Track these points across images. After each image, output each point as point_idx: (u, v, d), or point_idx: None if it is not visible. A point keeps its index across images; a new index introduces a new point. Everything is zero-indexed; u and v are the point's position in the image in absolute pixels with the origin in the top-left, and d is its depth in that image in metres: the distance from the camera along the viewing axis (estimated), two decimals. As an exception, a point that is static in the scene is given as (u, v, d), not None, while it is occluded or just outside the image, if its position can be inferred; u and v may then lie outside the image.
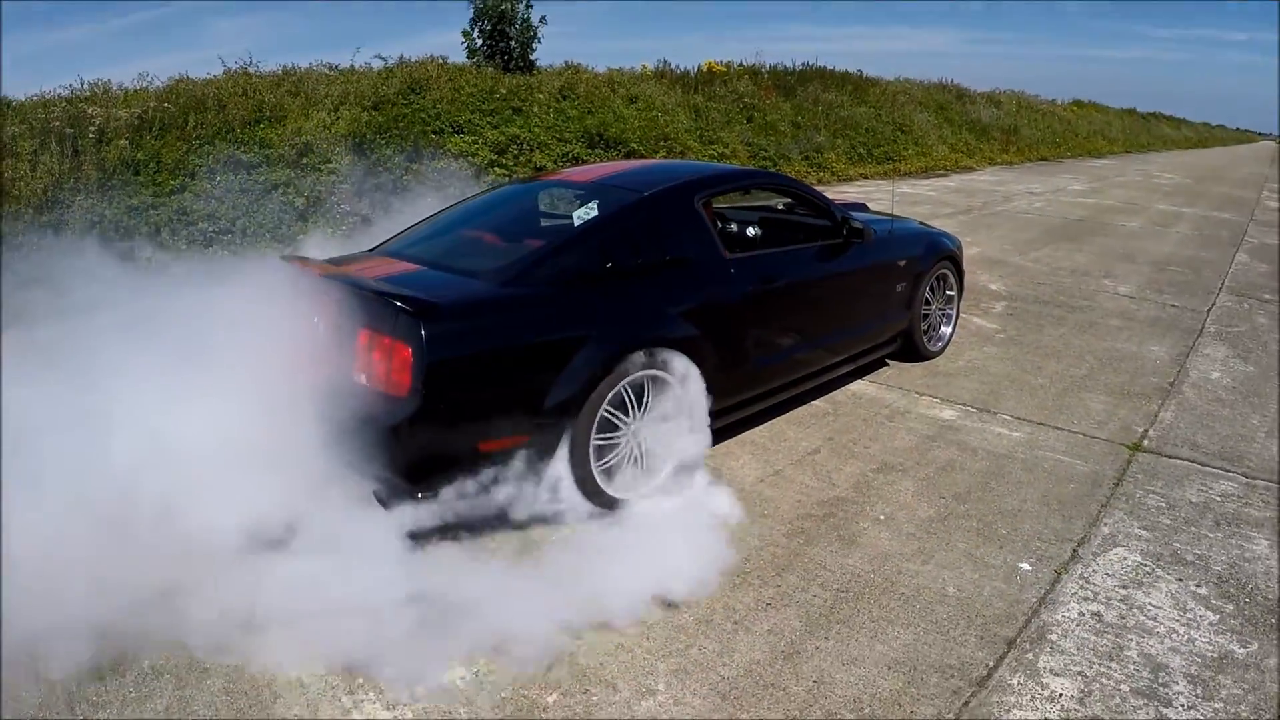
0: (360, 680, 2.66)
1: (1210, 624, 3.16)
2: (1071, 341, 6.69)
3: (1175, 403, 5.45)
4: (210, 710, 2.56)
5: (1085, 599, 3.29)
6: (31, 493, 2.59)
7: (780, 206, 5.53)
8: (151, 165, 8.60)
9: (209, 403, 2.87)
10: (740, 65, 20.01)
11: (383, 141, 10.18)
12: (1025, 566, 3.50)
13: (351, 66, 12.86)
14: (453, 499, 3.14)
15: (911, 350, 5.80)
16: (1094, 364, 6.15)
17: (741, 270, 4.19)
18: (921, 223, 6.26)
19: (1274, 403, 5.55)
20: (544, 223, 4.40)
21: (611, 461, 3.60)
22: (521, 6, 15.06)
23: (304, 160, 9.45)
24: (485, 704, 2.63)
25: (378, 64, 13.10)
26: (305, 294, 3.29)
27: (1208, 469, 4.49)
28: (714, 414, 3.90)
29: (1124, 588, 3.37)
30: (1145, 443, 4.79)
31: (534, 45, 15.33)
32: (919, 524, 3.83)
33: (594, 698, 2.68)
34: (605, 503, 3.56)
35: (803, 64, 21.66)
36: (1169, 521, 3.90)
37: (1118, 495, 4.14)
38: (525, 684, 2.72)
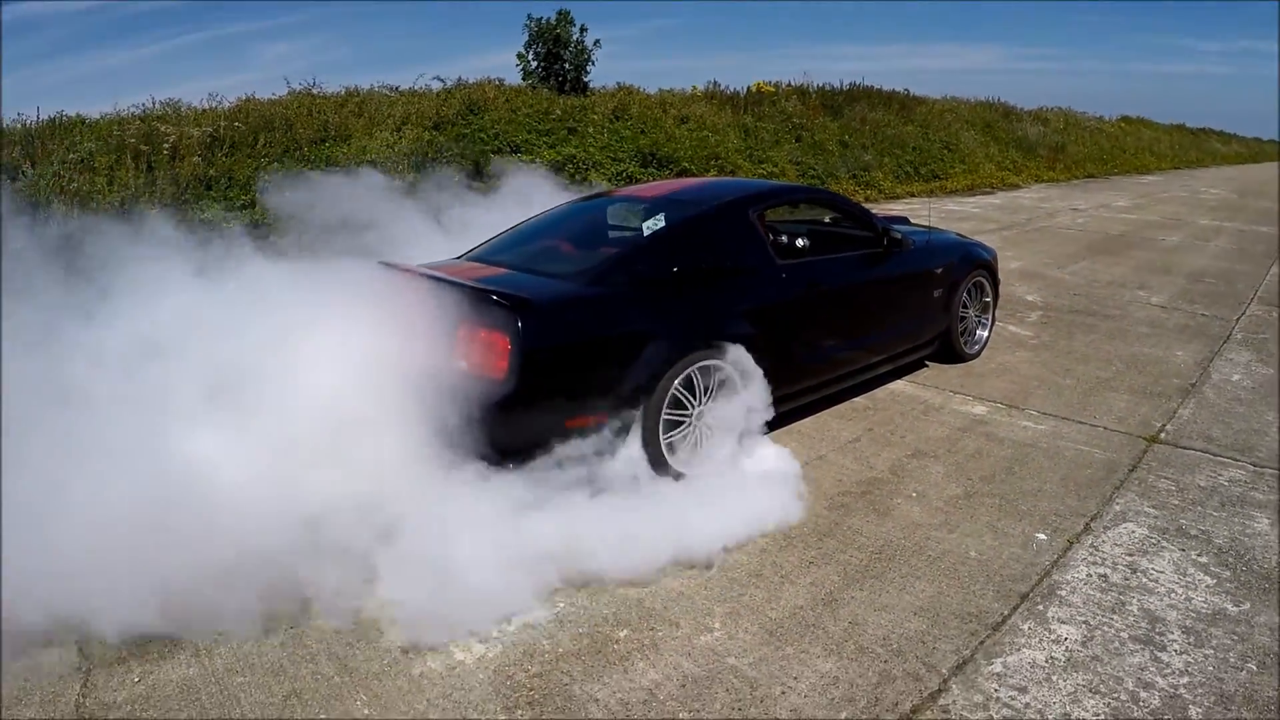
0: (457, 619, 3.16)
1: (1207, 586, 3.58)
2: (1101, 347, 7.10)
3: (1195, 401, 5.85)
4: (324, 643, 3.10)
5: (1094, 564, 3.73)
6: (217, 459, 3.15)
7: (826, 220, 6.01)
8: (223, 181, 9.22)
9: (329, 387, 3.34)
10: (788, 85, 20.54)
11: (444, 160, 10.74)
12: (1041, 536, 3.95)
13: (412, 88, 13.48)
14: (542, 468, 3.57)
15: (950, 352, 6.31)
16: (1120, 367, 6.56)
17: (792, 275, 4.73)
18: (959, 234, 6.84)
19: (1290, 402, 5.93)
20: (613, 233, 5.01)
21: (677, 440, 4.09)
22: (576, 30, 15.73)
23: None
24: (565, 638, 3.14)
25: (436, 85, 13.76)
26: (409, 292, 3.79)
27: (1219, 458, 4.89)
28: (772, 403, 4.36)
29: (1130, 555, 3.80)
30: (1162, 435, 5.21)
31: (588, 68, 16.00)
32: (947, 500, 4.30)
33: (659, 634, 3.18)
34: (671, 475, 4.00)
35: (850, 84, 22.13)
36: (1177, 502, 4.33)
37: (1131, 480, 4.57)
38: (599, 623, 3.22)
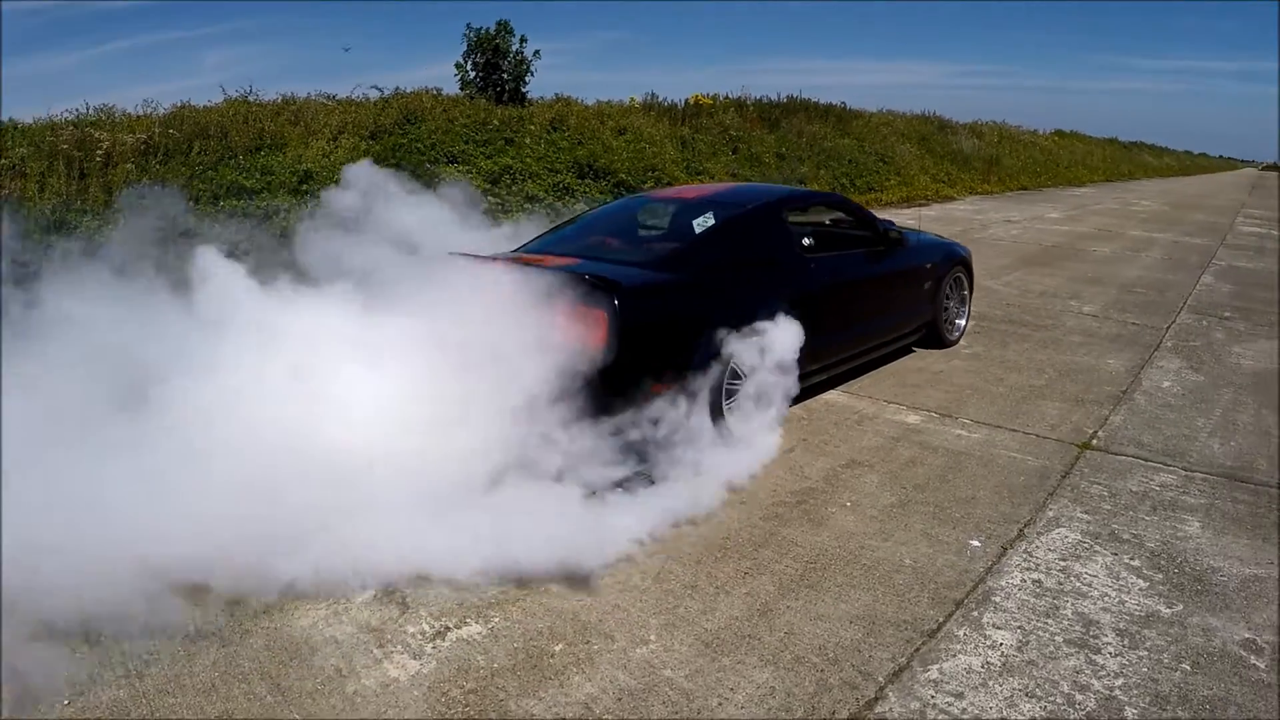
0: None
1: (1140, 589, 3.71)
2: (1034, 356, 7.32)
3: (1126, 408, 6.07)
4: (256, 662, 3.08)
5: (1028, 569, 3.84)
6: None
7: (827, 221, 6.68)
8: (156, 189, 9.16)
9: (438, 365, 3.88)
10: (726, 98, 20.99)
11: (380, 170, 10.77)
12: (975, 543, 4.06)
13: (349, 97, 13.59)
14: (630, 427, 4.21)
15: (935, 338, 7.23)
16: (1053, 375, 6.77)
17: (818, 267, 5.63)
18: (937, 235, 7.88)
19: (1219, 407, 6.17)
20: (663, 228, 5.77)
21: (732, 406, 4.80)
22: (515, 40, 15.95)
23: (304, 187, 10.06)
24: (500, 653, 3.15)
25: (374, 95, 13.86)
26: (516, 279, 4.26)
27: (1150, 463, 5.08)
28: (800, 376, 5.06)
29: (1063, 560, 3.93)
30: (1094, 442, 5.39)
31: (527, 78, 16.23)
32: (881, 509, 4.39)
33: (595, 647, 3.20)
34: (725, 433, 4.69)
35: (787, 97, 22.71)
36: (1109, 507, 4.48)
37: (1064, 486, 4.72)
38: (534, 636, 3.24)
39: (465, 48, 16.01)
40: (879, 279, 6.26)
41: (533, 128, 13.96)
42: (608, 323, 4.12)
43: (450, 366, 3.84)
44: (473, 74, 16.01)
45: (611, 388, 4.14)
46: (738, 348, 4.70)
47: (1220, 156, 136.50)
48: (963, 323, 7.59)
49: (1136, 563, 3.92)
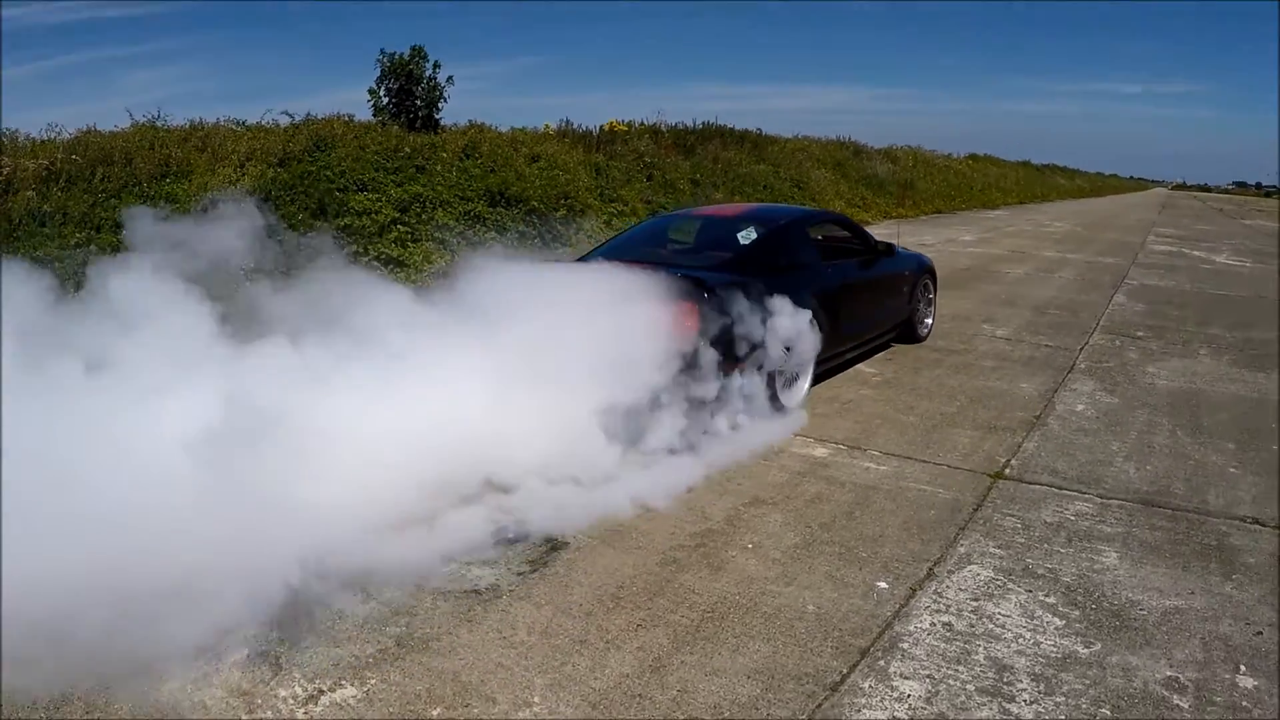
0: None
1: (1056, 628, 3.59)
2: (945, 382, 7.28)
3: (1039, 434, 6.03)
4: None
5: (937, 611, 3.69)
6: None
7: (820, 236, 7.69)
8: (58, 217, 8.92)
9: (570, 341, 4.79)
10: (641, 124, 21.17)
11: (288, 199, 10.76)
12: (882, 585, 3.91)
13: (260, 122, 13.42)
14: (713, 398, 5.37)
15: (909, 335, 8.52)
16: (965, 402, 6.73)
17: (833, 271, 6.92)
18: (907, 248, 9.03)
19: (1134, 430, 6.17)
20: (711, 240, 6.98)
21: (782, 382, 6.02)
22: (429, 66, 16.11)
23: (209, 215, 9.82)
24: (375, 718, 2.90)
25: (285, 120, 13.70)
26: (623, 280, 5.36)
27: (1065, 492, 5.01)
28: (820, 360, 6.44)
29: (975, 600, 3.79)
30: (1007, 471, 5.31)
31: (440, 105, 16.43)
32: (784, 550, 4.22)
33: (475, 710, 2.96)
34: (779, 405, 5.93)
35: (703, 123, 23.03)
36: (1023, 540, 4.38)
37: (976, 519, 4.61)
38: (412, 699, 2.99)
39: (379, 73, 16.12)
40: (873, 282, 7.52)
41: (445, 155, 13.93)
42: (697, 313, 5.33)
43: (575, 350, 4.79)
44: (386, 100, 16.13)
45: (698, 367, 5.25)
46: (785, 333, 5.81)
47: (1131, 177, 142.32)
48: (930, 321, 8.93)
49: (1052, 599, 3.81)
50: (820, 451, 5.59)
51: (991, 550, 4.25)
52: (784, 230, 6.88)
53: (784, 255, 6.56)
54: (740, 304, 5.58)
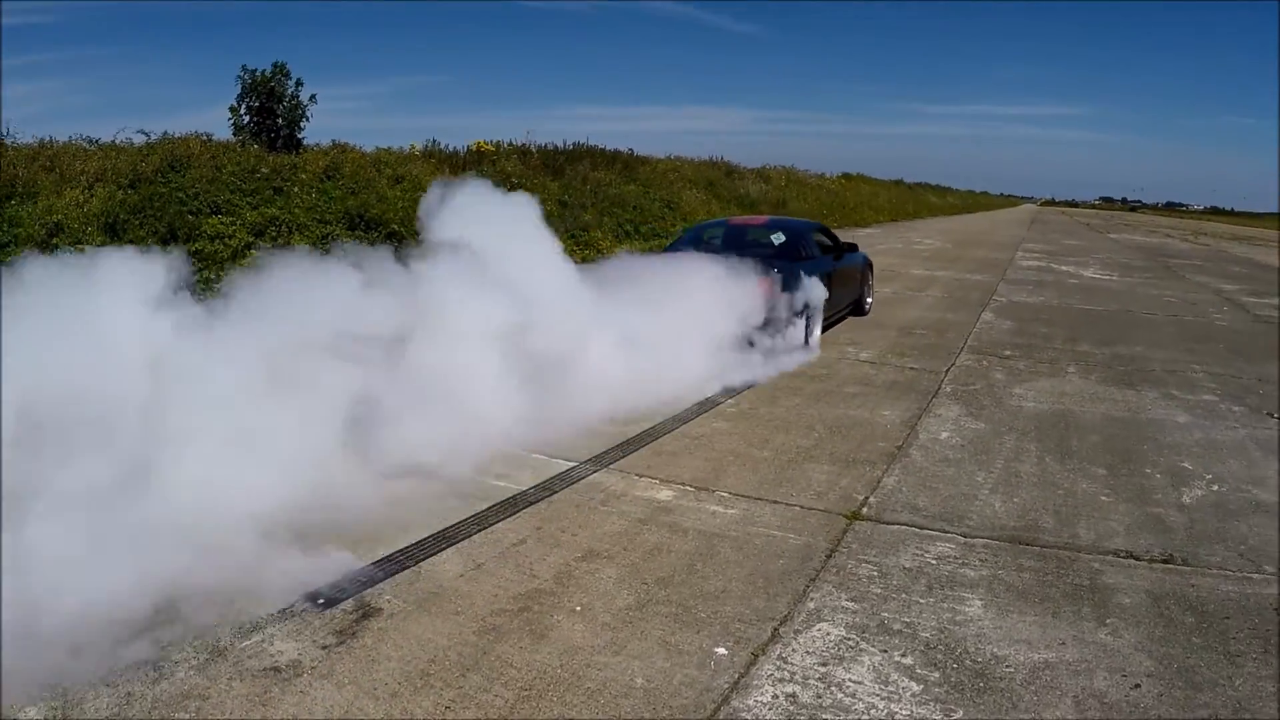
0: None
1: (913, 695, 3.28)
2: (804, 412, 7.05)
3: (900, 467, 5.81)
4: None
5: (781, 680, 3.35)
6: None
7: (815, 238, 10.85)
8: None
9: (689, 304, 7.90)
10: (510, 144, 21.50)
11: (137, 222, 10.57)
12: (721, 651, 3.55)
13: (113, 141, 13.27)
14: (775, 337, 8.60)
15: (859, 309, 12.04)
16: (823, 433, 6.49)
17: (826, 261, 10.18)
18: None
19: (1001, 458, 6.02)
20: (754, 240, 10.30)
21: (809, 326, 9.22)
22: (291, 84, 16.18)
23: (54, 241, 9.62)
24: None
25: (139, 139, 13.55)
26: (712, 259, 8.76)
27: (926, 531, 4.77)
28: (826, 319, 9.87)
29: (824, 665, 3.47)
30: (864, 510, 5.05)
31: (302, 124, 16.49)
32: (616, 613, 3.85)
33: None
34: (807, 343, 9.13)
35: (574, 143, 23.44)
36: (879, 590, 4.09)
37: (828, 568, 4.31)
38: None
39: (239, 90, 16.05)
40: (845, 270, 10.94)
41: (304, 176, 13.87)
42: (772, 286, 8.57)
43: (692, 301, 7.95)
44: (246, 118, 16.11)
45: (770, 321, 8.56)
46: (812, 299, 9.12)
47: (1002, 194, 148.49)
48: (870, 300, 12.47)
49: (909, 660, 3.51)
50: (665, 494, 5.26)
51: (844, 604, 3.95)
52: (798, 234, 10.45)
53: (802, 250, 10.03)
54: (789, 279, 8.86)
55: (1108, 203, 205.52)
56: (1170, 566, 4.46)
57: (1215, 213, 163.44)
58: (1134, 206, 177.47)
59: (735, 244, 10.03)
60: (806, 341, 9.13)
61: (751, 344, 8.36)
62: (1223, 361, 9.94)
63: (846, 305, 11.16)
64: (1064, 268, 21.50)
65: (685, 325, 7.66)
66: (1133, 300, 15.47)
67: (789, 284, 8.74)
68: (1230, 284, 19.85)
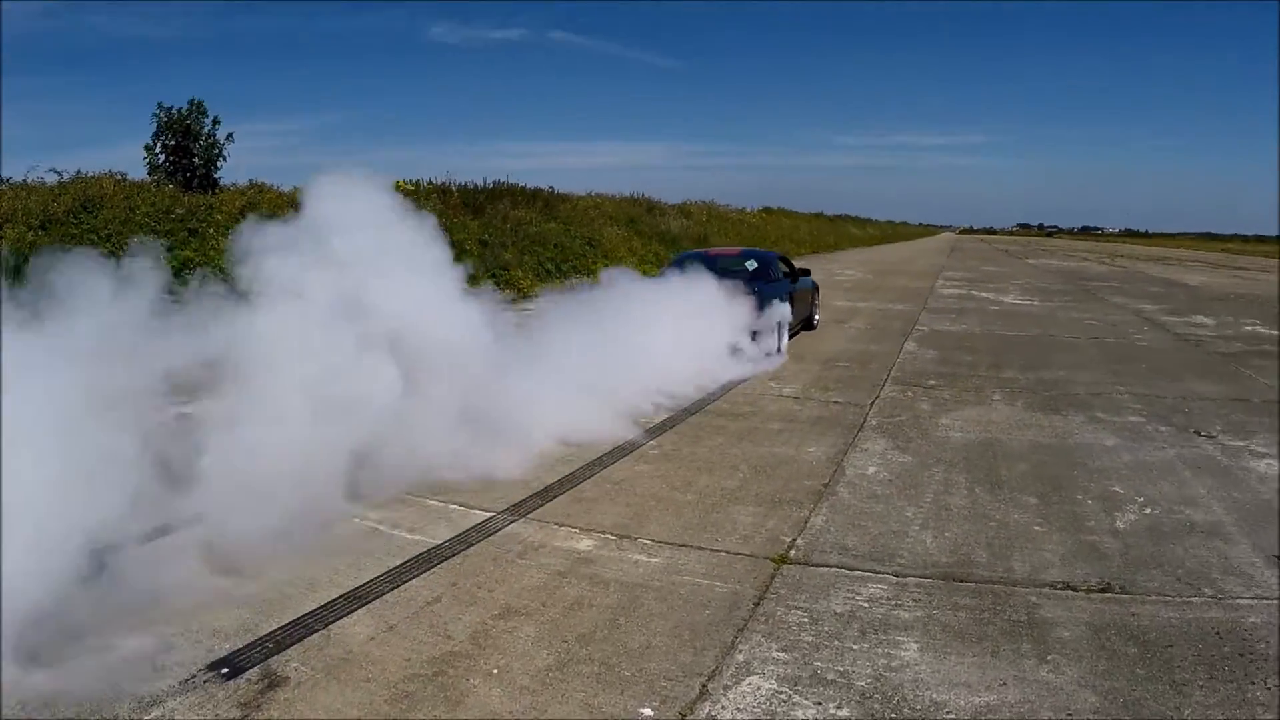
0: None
1: (850, 749, 3.14)
2: (728, 451, 6.93)
3: (828, 506, 5.71)
4: None
5: (711, 743, 3.20)
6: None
7: (754, 265, 12.60)
8: None
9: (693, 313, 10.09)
10: (430, 184, 21.64)
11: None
12: (647, 712, 3.38)
13: (24, 180, 13.24)
14: (757, 344, 10.89)
15: (809, 325, 14.14)
16: (748, 473, 6.37)
17: (787, 284, 12.58)
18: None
19: (930, 491, 5.95)
20: (735, 267, 12.13)
21: (780, 336, 11.57)
22: (208, 122, 16.10)
23: None
24: None
25: (51, 178, 13.55)
26: (711, 280, 10.98)
27: (856, 573, 4.65)
28: (791, 330, 12.54)
29: (756, 722, 3.32)
30: (792, 553, 4.92)
31: (219, 163, 16.43)
32: (535, 675, 3.67)
33: None
34: (778, 350, 11.37)
35: (494, 181, 23.66)
36: (810, 638, 3.95)
37: (757, 616, 4.16)
38: None
39: (155, 128, 15.92)
40: (800, 291, 13.25)
41: (220, 217, 13.74)
42: (753, 303, 10.67)
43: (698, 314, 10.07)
44: (162, 157, 16.00)
45: (754, 332, 10.68)
46: (782, 315, 11.29)
47: (921, 224, 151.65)
48: (818, 317, 14.85)
49: (845, 712, 3.38)
50: (585, 544, 5.08)
51: (775, 655, 3.81)
52: (766, 262, 12.85)
53: (770, 275, 12.32)
54: (763, 299, 10.99)
55: (1025, 229, 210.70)
56: (1109, 596, 4.40)
57: (1130, 235, 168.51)
58: (1051, 232, 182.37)
59: (717, 271, 11.64)
60: (779, 349, 11.38)
61: (739, 349, 10.52)
62: (1146, 382, 10.07)
63: (802, 320, 13.63)
64: (984, 294, 21.82)
65: (690, 335, 9.68)
66: (1054, 324, 15.71)
67: (763, 303, 10.99)
68: (1149, 304, 20.30)
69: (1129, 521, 5.44)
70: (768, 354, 10.85)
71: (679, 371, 9.12)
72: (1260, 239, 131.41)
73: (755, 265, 12.27)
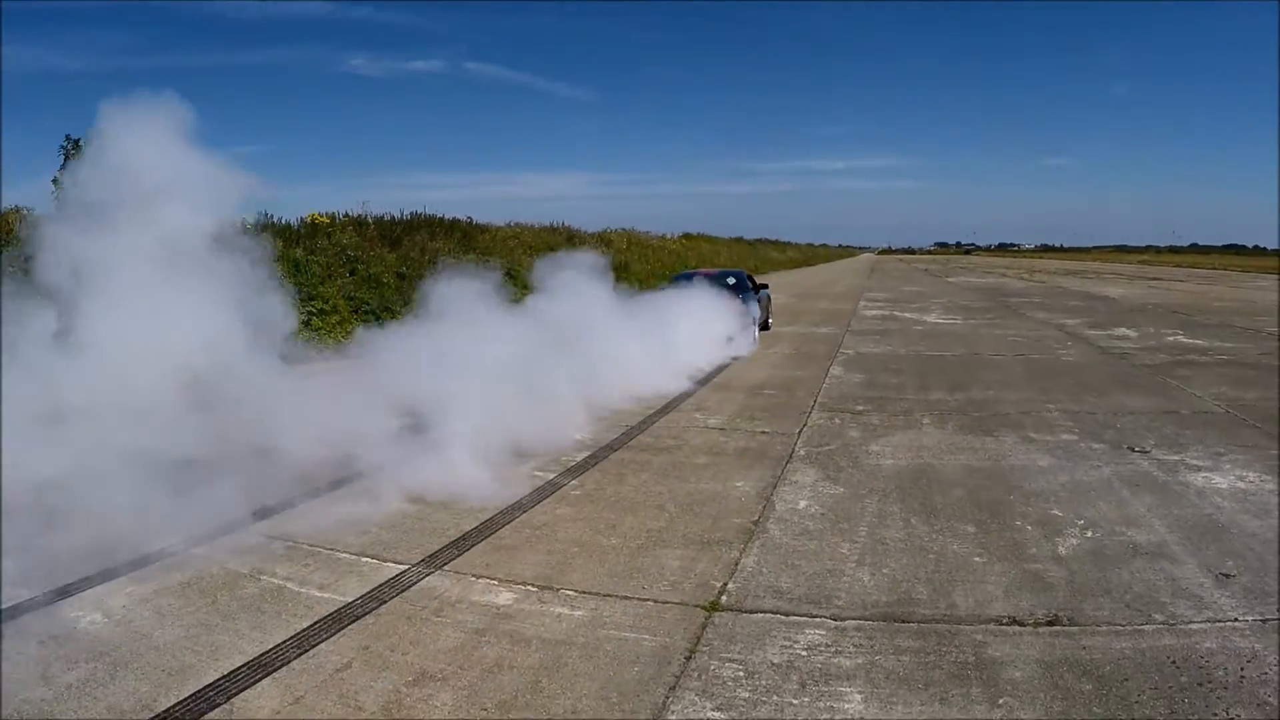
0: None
1: (795, 820, 2.91)
2: (653, 489, 6.70)
3: (759, 545, 5.49)
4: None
5: (642, 823, 2.94)
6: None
7: (733, 280, 17.50)
8: None
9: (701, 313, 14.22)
10: (346, 216, 21.54)
11: None
12: (572, 792, 3.12)
13: None
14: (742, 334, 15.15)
15: (765, 326, 18.47)
16: (674, 512, 6.15)
17: (754, 294, 17.62)
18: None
19: (864, 524, 5.77)
20: (720, 282, 16.99)
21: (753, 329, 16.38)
22: None
23: None
24: None
25: None
26: (709, 290, 15.86)
27: (793, 618, 4.43)
28: (761, 324, 17.85)
29: (691, 795, 3.07)
30: (724, 599, 4.69)
31: None
32: (451, 752, 3.39)
33: None
34: (752, 340, 15.85)
35: (411, 213, 23.61)
36: (747, 694, 3.72)
37: (690, 671, 3.92)
38: None
39: (63, 161, 15.17)
40: (762, 299, 17.91)
41: None
42: (739, 306, 15.46)
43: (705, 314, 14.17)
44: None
45: (741, 326, 14.93)
46: (755, 316, 16.38)
47: (840, 245, 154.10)
48: (771, 320, 19.19)
49: (787, 776, 3.13)
50: (504, 598, 4.81)
51: (710, 715, 3.57)
52: (741, 278, 17.37)
53: (744, 286, 16.80)
54: (745, 303, 15.60)
55: (943, 248, 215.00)
56: (1057, 629, 4.24)
57: (1046, 249, 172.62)
58: (968, 250, 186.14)
59: (709, 283, 16.36)
60: (754, 340, 15.61)
61: (730, 339, 14.34)
62: (1075, 398, 10.07)
63: (763, 319, 18.05)
64: (907, 314, 21.99)
65: (698, 330, 13.44)
66: (978, 342, 15.80)
67: (745, 307, 15.68)
68: (1071, 318, 20.58)
69: (1071, 546, 5.30)
70: (748, 343, 15.19)
71: (701, 353, 13.20)
72: (1174, 249, 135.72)
73: (734, 280, 17.36)
